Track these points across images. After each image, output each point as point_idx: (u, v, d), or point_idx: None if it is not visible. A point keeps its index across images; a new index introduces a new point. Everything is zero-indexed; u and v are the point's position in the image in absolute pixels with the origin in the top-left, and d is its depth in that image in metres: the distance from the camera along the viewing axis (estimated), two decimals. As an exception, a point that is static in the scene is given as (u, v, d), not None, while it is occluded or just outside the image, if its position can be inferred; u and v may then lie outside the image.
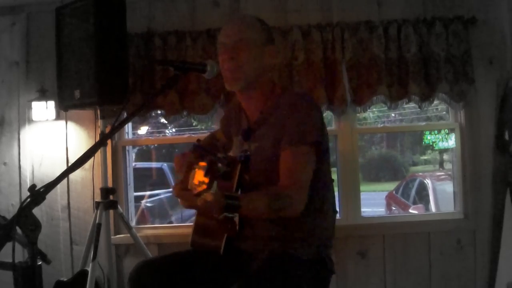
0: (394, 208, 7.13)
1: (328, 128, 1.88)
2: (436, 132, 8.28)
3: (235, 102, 1.86)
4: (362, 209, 2.90)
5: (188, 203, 1.50)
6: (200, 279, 1.64)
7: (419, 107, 2.75)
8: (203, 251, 1.69)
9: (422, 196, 6.28)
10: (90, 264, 2.42)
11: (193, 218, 1.80)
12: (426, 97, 2.71)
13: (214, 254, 1.62)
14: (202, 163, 1.39)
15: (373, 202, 7.64)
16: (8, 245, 1.25)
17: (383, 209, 7.58)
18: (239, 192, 1.60)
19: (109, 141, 2.82)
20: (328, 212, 1.70)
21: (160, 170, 7.38)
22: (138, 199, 5.61)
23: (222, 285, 1.61)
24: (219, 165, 1.48)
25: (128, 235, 2.71)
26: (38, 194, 1.26)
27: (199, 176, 1.37)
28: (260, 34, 1.65)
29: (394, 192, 7.67)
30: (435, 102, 2.85)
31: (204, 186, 1.34)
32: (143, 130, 5.20)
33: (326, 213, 1.68)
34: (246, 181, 1.64)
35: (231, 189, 1.58)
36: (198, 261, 1.67)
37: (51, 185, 1.29)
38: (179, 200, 1.55)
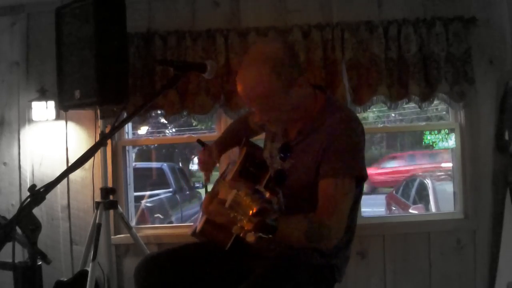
0: (394, 208, 7.13)
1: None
2: (436, 132, 8.27)
3: None
4: (362, 209, 2.90)
5: (222, 220, 1.38)
6: (205, 274, 1.64)
7: (419, 107, 2.75)
8: (209, 244, 1.68)
9: (422, 196, 6.28)
10: (90, 264, 2.42)
11: (193, 218, 1.80)
12: (426, 97, 2.71)
13: (220, 249, 1.62)
14: (254, 199, 1.19)
15: (373, 202, 7.63)
16: (8, 245, 1.25)
17: (383, 209, 7.58)
18: None
19: (109, 141, 2.82)
20: (350, 228, 1.65)
21: (160, 170, 7.38)
22: (138, 199, 5.61)
23: (227, 281, 1.62)
24: (270, 215, 1.25)
25: (128, 235, 2.71)
26: (38, 194, 1.26)
27: (246, 208, 1.18)
28: (278, 85, 1.45)
29: (394, 192, 7.67)
30: (435, 102, 2.86)
31: (249, 227, 1.18)
32: (143, 130, 5.21)
33: (347, 229, 1.61)
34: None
35: None
36: (204, 256, 1.67)
37: (51, 185, 1.29)
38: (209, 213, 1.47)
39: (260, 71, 1.45)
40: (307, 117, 1.59)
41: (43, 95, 2.80)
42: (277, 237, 1.27)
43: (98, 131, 2.73)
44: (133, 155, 3.78)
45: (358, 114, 2.91)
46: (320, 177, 1.49)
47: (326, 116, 1.55)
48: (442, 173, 7.76)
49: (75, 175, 2.84)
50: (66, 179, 2.25)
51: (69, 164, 2.05)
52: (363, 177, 1.55)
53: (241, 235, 1.20)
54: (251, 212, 1.17)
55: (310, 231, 1.36)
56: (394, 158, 11.29)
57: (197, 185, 8.46)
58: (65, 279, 2.58)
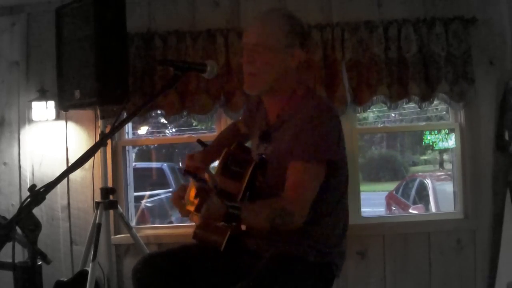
0: (394, 208, 7.13)
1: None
2: (436, 132, 8.27)
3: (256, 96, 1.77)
4: (362, 209, 2.90)
5: (183, 213, 1.54)
6: (203, 275, 1.64)
7: (419, 107, 2.75)
8: (204, 246, 1.67)
9: (422, 196, 6.28)
10: (90, 264, 2.42)
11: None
12: (426, 97, 2.71)
13: (216, 250, 1.61)
14: (195, 182, 1.40)
15: (373, 202, 7.64)
16: (8, 245, 1.25)
17: (383, 209, 7.58)
18: (247, 194, 1.59)
19: (109, 141, 2.82)
20: (339, 222, 1.67)
21: (160, 170, 7.38)
22: (138, 199, 5.61)
23: (225, 281, 1.61)
24: (207, 187, 1.48)
25: (128, 235, 2.71)
26: (38, 194, 1.26)
27: (191, 194, 1.38)
28: (281, 38, 1.57)
29: (394, 192, 7.67)
30: (435, 102, 2.86)
31: (192, 208, 1.35)
32: (143, 130, 5.21)
33: (336, 223, 1.66)
34: (261, 183, 1.63)
35: (239, 190, 1.57)
36: (202, 257, 1.66)
37: (51, 185, 1.29)
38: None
39: (274, 14, 1.63)
40: (286, 100, 1.63)
41: (43, 95, 2.80)
42: (242, 224, 1.42)
43: (98, 131, 2.74)
44: (133, 155, 3.78)
45: (358, 114, 2.94)
46: (291, 158, 1.53)
47: (303, 104, 1.60)
48: (442, 173, 7.77)
49: (75, 175, 2.84)
50: (66, 179, 2.24)
51: (69, 164, 2.05)
52: (336, 161, 1.57)
53: (190, 219, 1.39)
54: (192, 196, 1.37)
55: (273, 218, 1.44)
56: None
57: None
58: (65, 279, 2.58)
